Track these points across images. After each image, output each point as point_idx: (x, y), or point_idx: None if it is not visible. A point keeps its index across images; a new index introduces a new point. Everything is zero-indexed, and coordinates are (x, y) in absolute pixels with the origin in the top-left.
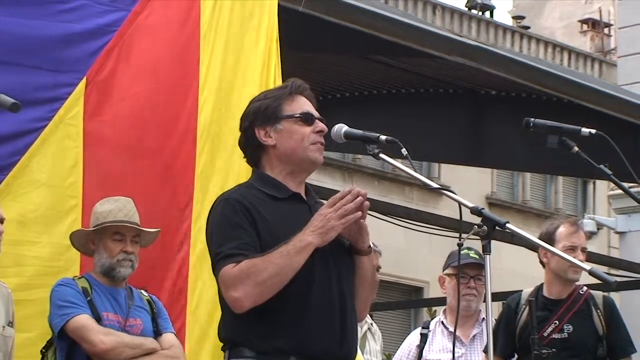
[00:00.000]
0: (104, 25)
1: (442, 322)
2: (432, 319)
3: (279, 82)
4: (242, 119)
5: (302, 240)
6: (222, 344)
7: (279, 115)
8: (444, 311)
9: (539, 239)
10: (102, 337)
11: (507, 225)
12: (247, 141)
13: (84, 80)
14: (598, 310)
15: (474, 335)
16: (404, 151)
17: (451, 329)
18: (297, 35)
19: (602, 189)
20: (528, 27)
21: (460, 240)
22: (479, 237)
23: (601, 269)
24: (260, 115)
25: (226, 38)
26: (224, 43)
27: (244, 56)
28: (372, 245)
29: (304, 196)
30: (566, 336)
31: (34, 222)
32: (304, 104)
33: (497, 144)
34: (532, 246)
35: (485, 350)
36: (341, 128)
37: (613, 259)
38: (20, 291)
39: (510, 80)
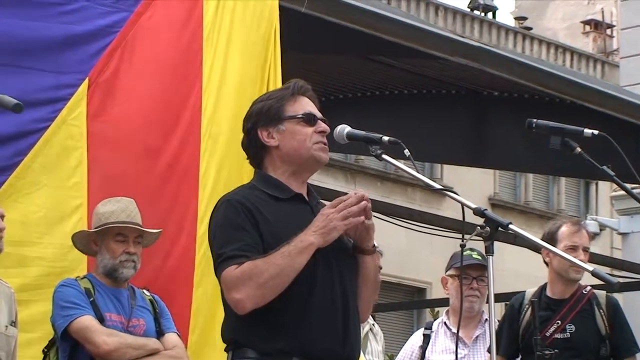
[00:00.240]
0: (106, 26)
1: (445, 323)
2: (434, 320)
3: (279, 83)
4: (244, 120)
5: (303, 241)
6: (225, 345)
7: (282, 116)
8: (447, 312)
9: (542, 238)
10: (106, 338)
11: (510, 226)
12: (250, 142)
13: (86, 81)
14: (601, 310)
15: (477, 336)
16: (406, 152)
17: (454, 329)
18: (300, 36)
19: (605, 190)
20: (530, 28)
21: (463, 241)
22: (481, 238)
23: (604, 270)
24: (262, 116)
25: (228, 39)
26: (226, 44)
27: (246, 57)
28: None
29: (306, 197)
30: (568, 336)
31: (36, 223)
32: (306, 105)
33: (499, 145)
34: (534, 247)
35: (490, 350)
36: (344, 129)
37: (615, 260)
38: (24, 292)
39: (513, 81)
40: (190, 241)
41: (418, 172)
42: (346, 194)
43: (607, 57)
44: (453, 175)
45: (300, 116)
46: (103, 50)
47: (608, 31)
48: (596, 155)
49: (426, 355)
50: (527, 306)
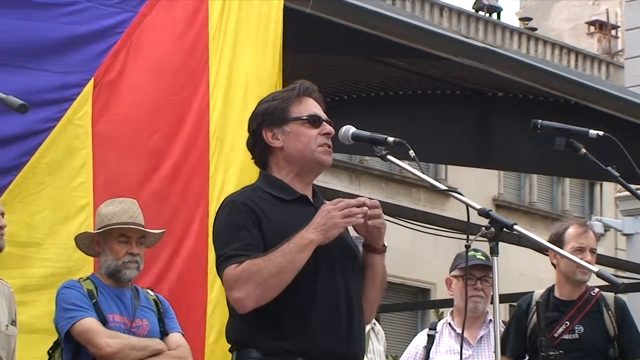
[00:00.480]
0: (110, 27)
1: (449, 324)
2: (439, 321)
3: (280, 86)
4: (250, 120)
5: (304, 238)
6: (230, 345)
7: (287, 117)
8: (451, 313)
9: (549, 240)
10: (108, 340)
11: (515, 227)
12: (254, 142)
13: (91, 82)
14: (609, 312)
15: (481, 337)
16: (411, 153)
17: (458, 330)
18: (305, 37)
19: (609, 190)
20: (535, 29)
21: (468, 242)
22: (486, 239)
23: (608, 271)
24: (267, 117)
25: (235, 39)
26: (232, 44)
27: (254, 58)
28: None
29: (311, 198)
30: (577, 337)
31: (41, 223)
32: (312, 106)
33: (504, 146)
34: (539, 248)
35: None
36: (349, 130)
37: (620, 260)
38: (28, 292)
39: (518, 82)
40: (201, 242)
41: (423, 173)
42: (351, 195)
43: (612, 58)
44: (457, 176)
45: (305, 118)
46: (108, 50)
47: (613, 32)
48: (601, 156)
49: (430, 355)
50: (534, 307)
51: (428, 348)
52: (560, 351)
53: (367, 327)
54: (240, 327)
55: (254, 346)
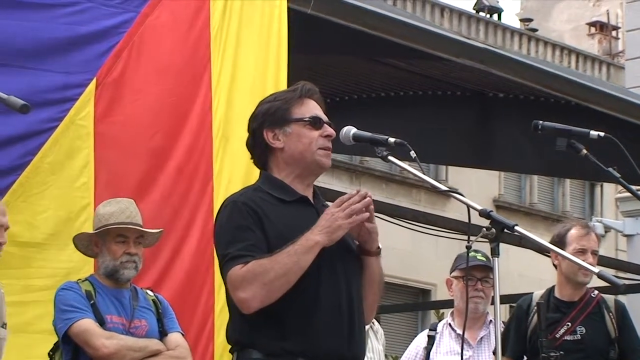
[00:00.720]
0: (112, 27)
1: (450, 325)
2: (439, 322)
3: (285, 85)
4: (250, 120)
5: (309, 240)
6: (230, 346)
7: (288, 118)
8: (451, 313)
9: (552, 241)
10: (105, 340)
11: (516, 228)
12: (254, 143)
13: (93, 82)
14: (610, 314)
15: (481, 338)
16: (412, 153)
17: (458, 331)
18: (306, 37)
19: (610, 191)
20: (536, 30)
21: (468, 242)
22: (487, 240)
23: (609, 272)
24: (269, 117)
25: (237, 39)
26: (235, 44)
27: (257, 57)
28: None
29: (312, 199)
30: (579, 338)
31: (43, 224)
32: (313, 108)
33: (505, 147)
34: (539, 249)
35: (495, 352)
36: (350, 130)
37: (621, 261)
38: (30, 292)
39: (518, 83)
40: (204, 242)
41: (423, 174)
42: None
43: (613, 59)
44: (458, 176)
45: (307, 119)
46: (110, 50)
47: (613, 33)
48: (602, 157)
49: (430, 356)
50: (535, 308)
51: (428, 349)
52: (561, 352)
53: (366, 327)
54: (241, 327)
55: (255, 347)
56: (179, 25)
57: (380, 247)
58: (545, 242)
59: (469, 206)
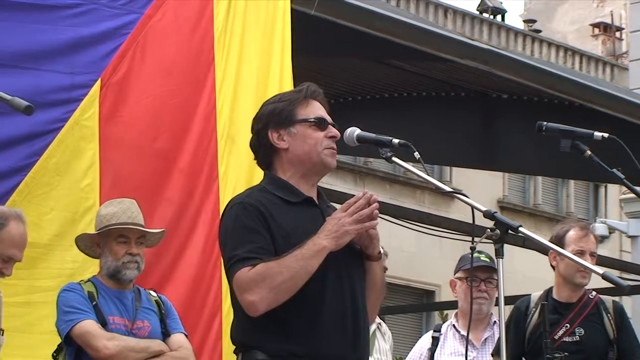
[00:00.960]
0: (116, 28)
1: (454, 326)
2: (443, 323)
3: (290, 86)
4: (254, 120)
5: (316, 244)
6: (234, 347)
7: (293, 119)
8: (456, 314)
9: (550, 242)
10: (106, 342)
11: (520, 229)
12: (259, 143)
13: (98, 82)
14: (608, 315)
15: (486, 339)
16: (416, 154)
17: (462, 332)
18: (309, 39)
19: (614, 192)
20: (539, 31)
21: (473, 243)
22: (491, 241)
23: (613, 273)
24: (274, 118)
25: (242, 40)
26: (239, 45)
27: (262, 58)
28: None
29: (316, 200)
30: (578, 339)
31: (48, 224)
32: (318, 109)
33: (509, 148)
34: (544, 250)
35: (494, 354)
36: (354, 131)
37: (625, 262)
38: (34, 293)
39: (522, 84)
40: (210, 242)
41: (428, 175)
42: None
43: (616, 60)
44: (462, 177)
45: (312, 120)
46: (114, 51)
47: (617, 34)
48: (606, 158)
49: (435, 357)
50: (533, 309)
51: (432, 350)
52: (566, 353)
53: (373, 327)
54: (246, 328)
55: (259, 348)
56: (183, 26)
57: (381, 251)
58: (549, 243)
59: (473, 207)
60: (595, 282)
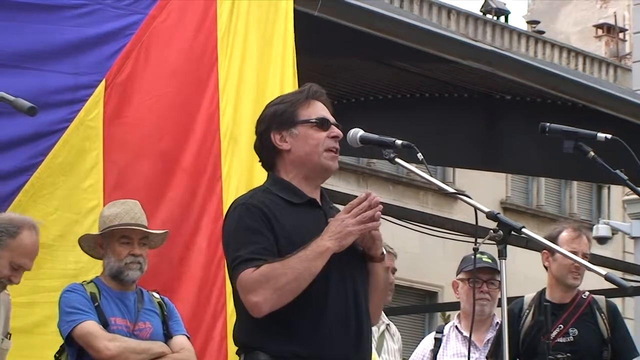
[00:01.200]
0: (120, 29)
1: (456, 327)
2: (446, 324)
3: (295, 87)
4: (257, 122)
5: (320, 246)
6: (237, 348)
7: (295, 120)
8: (458, 316)
9: None
10: (107, 343)
11: (523, 230)
12: (262, 145)
13: (103, 83)
14: (602, 315)
15: (488, 340)
16: (419, 156)
17: (465, 333)
18: (312, 40)
19: (617, 194)
20: (543, 32)
21: (476, 244)
22: (494, 242)
23: (616, 274)
24: (276, 120)
25: (244, 40)
26: (242, 46)
27: (263, 58)
28: (387, 248)
29: (319, 201)
30: (572, 340)
31: (52, 224)
32: (320, 109)
33: (512, 149)
34: (545, 249)
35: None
36: (357, 132)
37: (628, 264)
38: (38, 293)
39: (525, 85)
40: (214, 243)
41: (431, 176)
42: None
43: (620, 61)
44: (465, 179)
45: (313, 121)
46: (119, 52)
47: (620, 35)
48: (609, 159)
49: (437, 359)
50: (527, 311)
51: (435, 351)
52: (568, 354)
53: (382, 328)
54: (249, 330)
55: (262, 349)
56: (186, 26)
57: (384, 252)
58: (552, 244)
59: (476, 208)
60: (598, 283)
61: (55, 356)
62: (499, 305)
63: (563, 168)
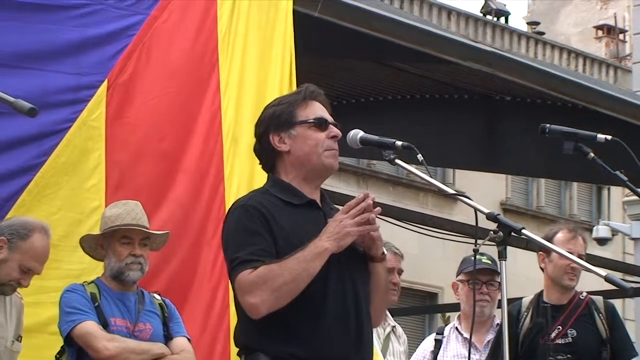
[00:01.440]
0: (122, 29)
1: (457, 328)
2: (446, 325)
3: (294, 88)
4: (256, 125)
5: (318, 246)
6: (238, 349)
7: (293, 120)
8: (458, 317)
9: None
10: (106, 343)
11: (523, 231)
12: (261, 147)
13: (105, 83)
14: (600, 315)
15: (489, 341)
16: (419, 157)
17: (465, 334)
18: (312, 41)
19: (617, 195)
20: (543, 33)
21: (476, 246)
22: (494, 243)
23: (616, 275)
24: (274, 121)
25: (245, 41)
26: (242, 46)
27: (263, 59)
28: (393, 249)
29: (319, 202)
30: (570, 341)
31: (56, 224)
32: (317, 110)
33: (512, 150)
34: (541, 250)
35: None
36: (357, 134)
37: (628, 265)
38: (43, 294)
39: (525, 86)
40: (217, 243)
41: (431, 177)
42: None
43: (620, 62)
44: (465, 180)
45: (311, 121)
46: (120, 52)
47: (621, 36)
48: (609, 160)
49: None
50: (525, 313)
51: (435, 352)
52: (568, 355)
53: (387, 330)
54: (249, 331)
55: (262, 351)
56: (187, 27)
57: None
58: (552, 245)
59: (476, 209)
60: (598, 284)
61: (55, 357)
62: (499, 306)
63: (563, 169)
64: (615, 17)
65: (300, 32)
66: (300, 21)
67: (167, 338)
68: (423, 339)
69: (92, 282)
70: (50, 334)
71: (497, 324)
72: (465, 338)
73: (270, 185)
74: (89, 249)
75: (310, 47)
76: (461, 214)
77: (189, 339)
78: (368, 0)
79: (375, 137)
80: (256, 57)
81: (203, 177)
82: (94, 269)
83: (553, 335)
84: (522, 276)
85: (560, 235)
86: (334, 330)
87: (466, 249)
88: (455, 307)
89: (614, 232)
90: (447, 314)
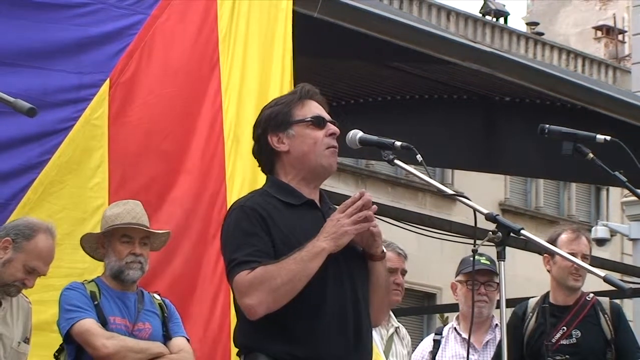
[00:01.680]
0: (124, 28)
1: (455, 329)
2: (444, 326)
3: (290, 88)
4: (254, 127)
5: (315, 246)
6: (237, 350)
7: (290, 120)
8: (457, 317)
9: None
10: (105, 341)
11: (522, 231)
12: (260, 149)
13: (107, 82)
14: (605, 315)
15: (487, 342)
16: (419, 157)
17: (464, 335)
18: (312, 41)
19: (616, 195)
20: (542, 34)
21: (475, 246)
22: (493, 244)
23: (615, 276)
24: (272, 122)
25: (245, 41)
26: (243, 46)
27: (264, 59)
28: (397, 249)
29: (318, 203)
30: (574, 342)
31: (60, 223)
32: (314, 108)
33: (511, 151)
34: (545, 253)
35: (501, 356)
36: (356, 134)
37: (626, 265)
38: (46, 292)
39: (524, 87)
40: (218, 244)
41: (430, 177)
42: None
43: (619, 63)
44: (464, 180)
45: (308, 120)
46: (122, 51)
47: (620, 37)
48: (608, 160)
49: None
50: (530, 314)
51: (434, 353)
52: (567, 356)
53: (390, 331)
54: (249, 331)
55: (262, 351)
56: (187, 26)
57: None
58: (551, 246)
59: (475, 210)
60: (597, 284)
61: (54, 355)
62: (498, 307)
63: (562, 170)
64: (614, 18)
65: (300, 32)
66: (300, 21)
67: (166, 338)
68: (421, 340)
69: (92, 280)
70: (54, 332)
71: (496, 324)
72: (464, 338)
73: (269, 186)
74: (89, 248)
75: (309, 47)
76: (460, 215)
77: (187, 340)
78: (367, 0)
79: (374, 138)
80: (257, 57)
81: (205, 177)
82: (96, 268)
83: (557, 336)
84: (521, 277)
85: (563, 236)
86: (332, 330)
87: (465, 250)
88: (453, 308)
89: (613, 232)
90: (446, 315)
